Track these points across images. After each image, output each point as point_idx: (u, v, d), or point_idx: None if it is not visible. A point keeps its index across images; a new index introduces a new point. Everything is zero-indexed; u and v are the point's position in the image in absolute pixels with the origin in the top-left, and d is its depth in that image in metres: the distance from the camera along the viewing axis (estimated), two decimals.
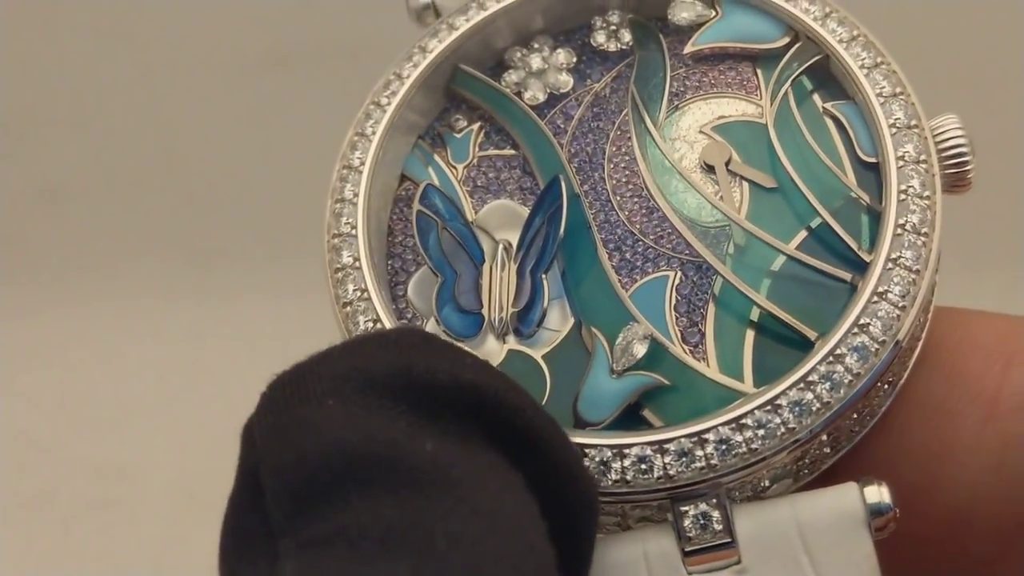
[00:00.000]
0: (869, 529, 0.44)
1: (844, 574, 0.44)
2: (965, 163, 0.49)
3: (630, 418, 0.46)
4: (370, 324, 0.47)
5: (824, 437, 0.45)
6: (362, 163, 0.51)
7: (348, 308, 0.48)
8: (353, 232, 0.49)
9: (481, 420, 0.39)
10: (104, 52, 1.05)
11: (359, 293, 0.48)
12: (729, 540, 0.44)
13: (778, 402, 0.44)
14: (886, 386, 0.47)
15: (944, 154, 0.48)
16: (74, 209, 1.06)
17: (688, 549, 0.44)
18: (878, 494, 0.44)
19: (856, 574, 0.44)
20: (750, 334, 0.47)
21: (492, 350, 0.49)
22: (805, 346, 0.46)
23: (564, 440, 0.41)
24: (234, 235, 0.99)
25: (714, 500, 0.44)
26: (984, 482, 0.47)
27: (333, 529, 0.35)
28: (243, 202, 0.98)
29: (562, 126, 0.52)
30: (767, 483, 0.46)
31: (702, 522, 0.44)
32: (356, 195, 0.50)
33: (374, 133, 0.51)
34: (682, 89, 0.52)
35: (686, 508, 0.44)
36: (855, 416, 0.46)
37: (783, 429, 0.44)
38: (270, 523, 0.37)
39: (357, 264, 0.49)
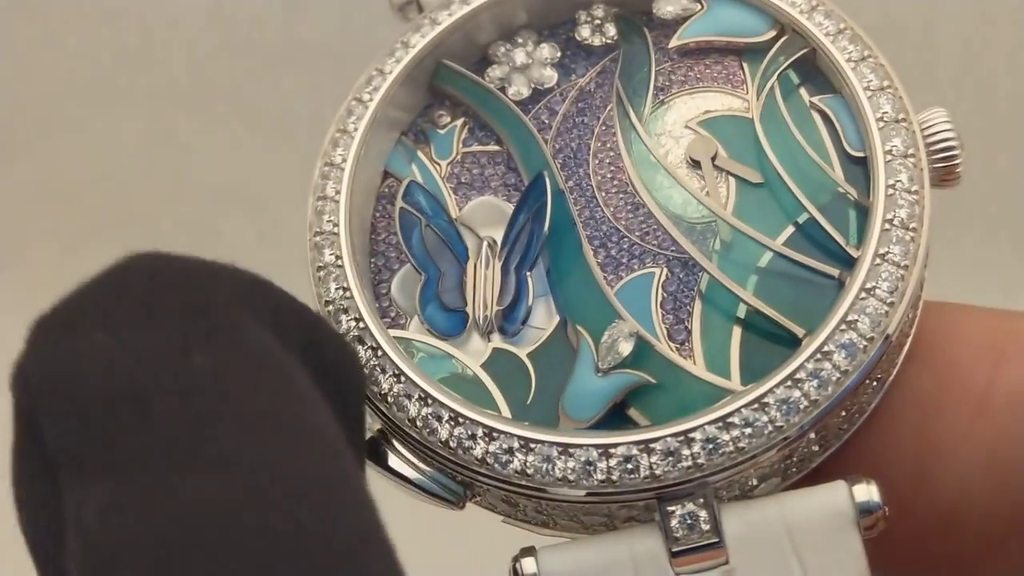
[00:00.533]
0: (858, 528, 0.44)
1: (833, 573, 0.44)
2: (954, 157, 0.48)
3: (616, 417, 0.46)
4: (353, 323, 0.47)
5: (812, 435, 0.45)
6: (344, 160, 0.50)
7: (330, 307, 0.48)
8: (335, 230, 0.49)
9: (244, 311, 0.39)
10: (104, 53, 1.05)
11: (341, 291, 0.47)
12: (717, 540, 0.43)
13: (765, 400, 0.43)
14: (875, 383, 0.46)
15: (932, 148, 0.48)
16: (74, 211, 1.06)
17: (675, 549, 0.43)
18: (867, 492, 0.44)
19: (845, 573, 0.44)
20: (737, 331, 0.47)
21: (477, 348, 0.48)
22: (793, 343, 0.46)
23: (314, 314, 0.42)
24: (234, 236, 0.99)
25: (701, 500, 0.44)
26: (974, 479, 0.47)
27: (120, 458, 0.34)
28: (229, 194, 0.98)
29: (546, 121, 0.52)
30: (755, 482, 0.45)
31: (689, 522, 0.44)
32: (338, 193, 0.49)
33: (356, 130, 0.50)
34: (667, 83, 0.51)
35: (673, 508, 0.44)
36: (843, 414, 0.45)
37: (771, 427, 0.43)
38: (51, 463, 0.36)
39: (339, 263, 0.48)
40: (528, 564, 0.44)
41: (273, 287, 0.41)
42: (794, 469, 0.46)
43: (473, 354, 0.48)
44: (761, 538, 0.44)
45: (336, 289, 0.48)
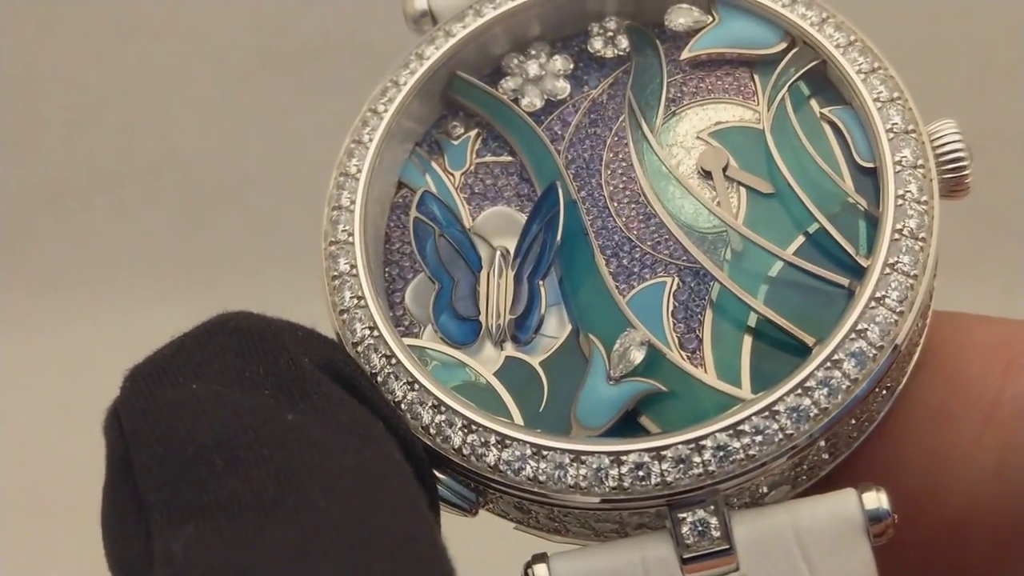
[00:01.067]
0: (867, 535, 0.44)
1: None
2: (963, 168, 0.48)
3: (627, 425, 0.46)
4: (367, 331, 0.47)
5: (822, 443, 0.45)
6: (359, 170, 0.50)
7: (345, 315, 0.48)
8: (350, 240, 0.49)
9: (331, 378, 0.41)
10: (104, 52, 1.05)
11: (356, 300, 0.48)
12: (727, 547, 0.44)
13: (776, 408, 0.44)
14: (884, 392, 0.46)
15: (942, 159, 0.48)
16: (74, 213, 1.06)
17: (686, 556, 0.44)
18: (876, 500, 0.44)
19: None
20: (748, 340, 0.47)
21: (490, 357, 0.49)
22: (803, 352, 0.46)
23: (388, 401, 0.45)
24: (237, 238, 1.00)
25: (712, 507, 0.44)
26: (983, 488, 0.47)
27: (209, 502, 0.36)
28: (245, 202, 0.99)
29: (559, 132, 0.52)
30: (765, 489, 0.46)
31: (700, 529, 0.44)
32: (353, 203, 0.50)
33: (371, 140, 0.51)
34: (679, 95, 0.52)
35: (684, 515, 0.44)
36: (853, 422, 0.46)
37: (781, 435, 0.44)
38: (142, 503, 0.37)
39: (354, 271, 0.48)
40: (540, 570, 0.45)
41: (346, 354, 0.45)
42: (804, 477, 0.46)
43: (486, 362, 0.48)
44: (771, 545, 0.44)
45: (351, 298, 0.48)
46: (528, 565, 0.45)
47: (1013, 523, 0.47)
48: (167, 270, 1.03)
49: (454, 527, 0.49)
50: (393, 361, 0.47)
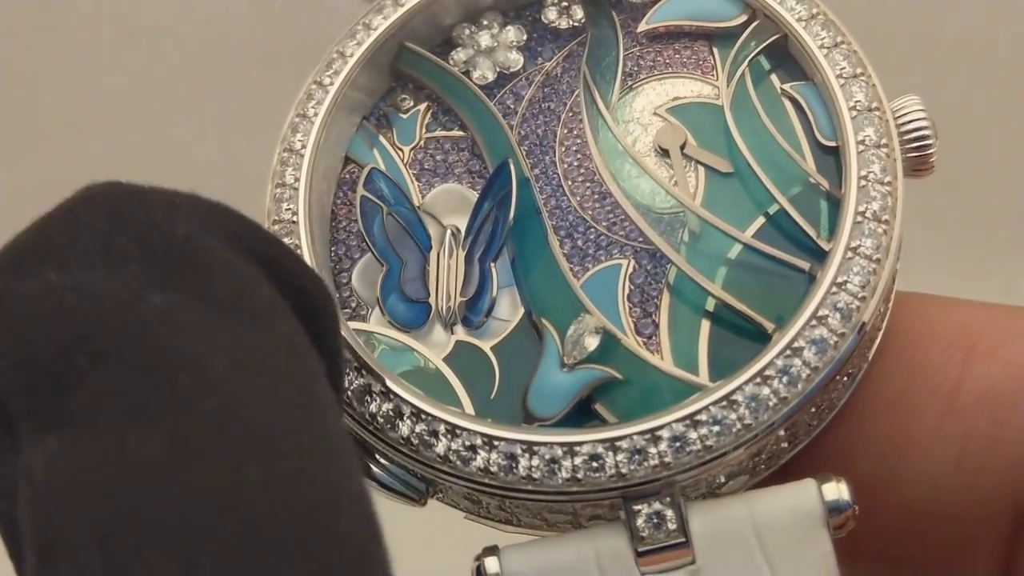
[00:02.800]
0: (827, 527, 0.43)
1: (802, 573, 0.43)
2: (927, 146, 0.47)
3: (582, 412, 0.45)
4: None
5: (781, 432, 0.44)
6: (303, 146, 0.49)
7: None
8: (295, 219, 0.47)
9: (209, 240, 0.36)
10: (104, 52, 1.04)
11: None
12: (683, 540, 0.43)
13: (734, 398, 0.43)
14: (845, 378, 0.45)
15: (905, 137, 0.47)
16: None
17: (641, 549, 0.43)
18: (837, 491, 0.43)
19: (814, 573, 0.43)
20: (705, 325, 0.46)
21: (440, 340, 0.47)
22: (762, 338, 0.45)
23: (283, 245, 0.39)
24: None
25: (668, 499, 0.43)
26: (944, 476, 0.46)
27: (75, 407, 0.32)
28: (246, 202, 0.98)
29: (512, 106, 0.50)
30: (723, 479, 0.44)
31: (655, 521, 0.43)
32: (297, 180, 0.48)
33: (316, 115, 0.49)
34: (636, 69, 0.50)
35: (639, 507, 0.43)
36: (813, 410, 0.44)
37: (739, 425, 0.42)
38: (7, 413, 0.34)
39: (298, 253, 0.47)
40: (491, 564, 0.43)
41: (238, 215, 0.38)
42: (763, 466, 0.45)
43: (435, 347, 0.47)
44: (728, 537, 0.43)
45: None
46: (479, 558, 0.43)
47: (972, 513, 0.46)
48: None
49: (403, 516, 0.47)
50: None
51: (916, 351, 0.47)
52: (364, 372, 0.44)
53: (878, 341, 0.46)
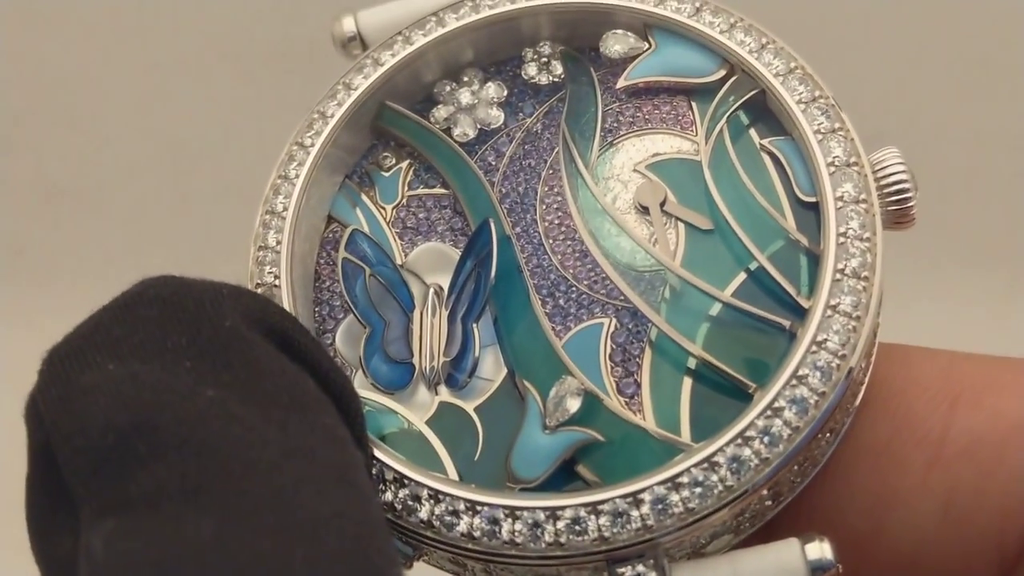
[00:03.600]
0: None
1: None
2: (907, 200, 0.47)
3: (565, 473, 0.45)
4: None
5: (764, 491, 0.44)
6: (285, 208, 0.49)
7: None
8: (277, 283, 0.47)
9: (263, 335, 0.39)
10: (104, 52, 1.04)
11: None
12: None
13: (715, 459, 0.43)
14: (828, 435, 0.45)
15: (885, 191, 0.47)
16: (74, 210, 1.05)
17: None
18: (820, 550, 0.43)
19: None
20: (687, 383, 0.46)
21: (423, 401, 0.47)
22: (743, 396, 0.45)
23: (326, 352, 0.42)
24: (238, 238, 0.99)
25: (651, 561, 0.43)
26: (930, 528, 0.46)
27: (133, 492, 0.34)
28: (247, 202, 0.98)
29: (493, 163, 0.50)
30: (706, 540, 0.44)
31: None
32: (280, 243, 0.48)
33: (297, 177, 0.49)
34: (615, 124, 0.50)
35: (622, 570, 0.43)
36: (796, 467, 0.44)
37: (721, 487, 0.42)
38: (69, 495, 0.36)
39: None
40: None
41: (276, 307, 0.41)
42: (747, 524, 0.45)
43: (419, 408, 0.47)
44: None
45: None
46: None
47: (958, 563, 0.46)
48: (168, 269, 1.02)
49: None
50: None
51: (900, 402, 0.47)
52: None
53: (860, 395, 0.46)
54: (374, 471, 0.44)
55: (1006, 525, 0.46)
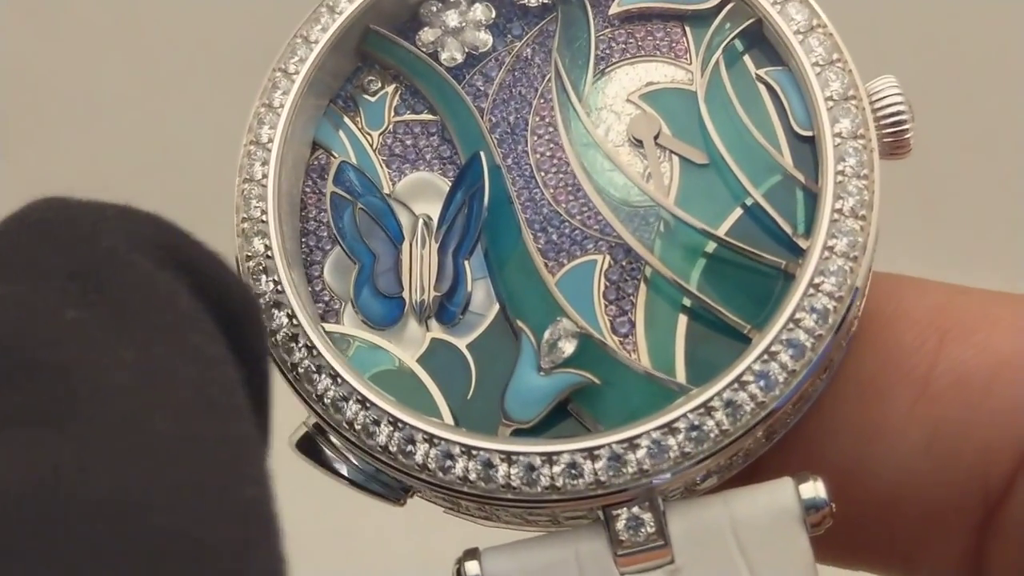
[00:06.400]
0: (805, 525, 0.43)
1: (779, 571, 0.43)
2: (904, 130, 0.47)
3: (559, 412, 0.45)
4: (285, 319, 0.45)
5: (759, 432, 0.44)
6: (271, 139, 0.47)
7: (262, 301, 0.46)
8: (264, 218, 0.46)
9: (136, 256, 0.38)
10: (104, 52, 1.02)
11: (273, 285, 0.46)
12: (662, 543, 0.43)
13: (711, 404, 0.43)
14: (823, 372, 0.45)
15: (882, 120, 0.46)
16: None
17: (620, 552, 0.43)
18: (813, 489, 0.43)
19: (792, 571, 0.43)
20: (682, 321, 0.45)
21: (415, 337, 0.47)
22: (739, 336, 0.45)
23: (213, 255, 0.40)
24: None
25: (646, 503, 0.43)
26: (914, 463, 0.47)
27: None
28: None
29: (482, 89, 0.49)
30: (700, 478, 0.45)
31: (634, 525, 0.43)
32: (265, 176, 0.47)
33: (282, 106, 0.48)
34: (608, 52, 0.49)
35: (618, 512, 0.43)
36: (791, 407, 0.45)
37: (717, 431, 0.43)
38: None
39: (269, 253, 0.46)
40: (471, 567, 0.44)
41: (169, 225, 0.39)
42: (740, 461, 0.45)
43: (410, 345, 0.46)
44: (707, 537, 0.43)
45: (267, 282, 0.46)
46: (459, 561, 0.44)
47: (942, 499, 0.47)
48: None
49: (383, 514, 0.48)
50: (315, 352, 0.45)
51: (889, 335, 0.47)
52: (340, 380, 0.44)
53: (853, 330, 0.46)
54: (367, 414, 0.44)
55: (991, 461, 0.46)
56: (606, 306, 0.46)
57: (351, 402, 0.44)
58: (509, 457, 0.43)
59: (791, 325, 0.43)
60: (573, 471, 0.43)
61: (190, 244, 0.39)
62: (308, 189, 0.49)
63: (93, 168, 1.04)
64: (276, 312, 0.45)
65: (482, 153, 0.47)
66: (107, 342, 0.35)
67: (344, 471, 0.46)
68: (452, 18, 0.50)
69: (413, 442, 0.43)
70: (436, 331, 0.47)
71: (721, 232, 0.46)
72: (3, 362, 0.34)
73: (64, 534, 0.30)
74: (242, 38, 0.99)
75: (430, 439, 0.43)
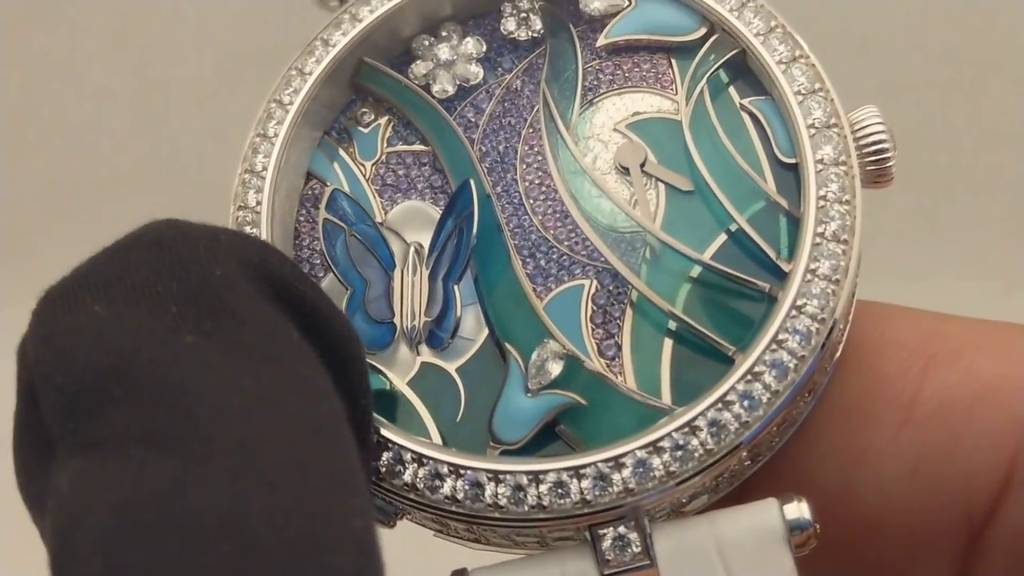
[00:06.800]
0: (789, 546, 0.44)
1: None
2: (886, 159, 0.47)
3: (546, 434, 0.45)
4: None
5: (744, 453, 0.44)
6: (265, 168, 0.48)
7: None
8: None
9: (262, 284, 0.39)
10: (104, 52, 1.03)
11: None
12: (647, 563, 0.43)
13: (696, 423, 0.43)
14: (807, 395, 0.46)
15: (864, 149, 0.47)
16: (74, 213, 1.04)
17: (607, 572, 0.43)
18: (798, 510, 0.44)
19: None
20: (668, 345, 0.46)
21: (404, 361, 0.47)
22: (724, 358, 0.45)
23: (327, 299, 0.42)
24: None
25: (632, 522, 0.43)
26: (899, 488, 0.47)
27: (103, 432, 0.35)
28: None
29: (473, 120, 0.50)
30: (687, 499, 0.45)
31: (620, 545, 0.43)
32: (259, 203, 0.48)
33: (276, 135, 0.49)
34: (596, 83, 0.50)
35: (604, 531, 0.43)
36: (775, 429, 0.45)
37: (701, 450, 0.43)
38: (47, 433, 0.37)
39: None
40: None
41: (277, 254, 0.41)
42: (725, 483, 0.46)
43: (401, 368, 0.47)
44: (692, 557, 0.44)
45: None
46: None
47: (928, 523, 0.47)
48: None
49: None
50: None
51: (875, 361, 0.48)
52: None
53: (838, 354, 0.47)
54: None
55: (975, 487, 0.47)
56: (593, 329, 0.47)
57: None
58: (497, 476, 0.43)
59: (774, 346, 0.44)
60: (560, 490, 0.43)
61: (299, 276, 0.41)
62: (302, 218, 0.50)
63: (93, 168, 1.05)
64: None
65: (472, 181, 0.48)
66: (224, 368, 0.36)
67: None
68: (444, 51, 0.51)
69: (402, 462, 0.44)
70: (426, 355, 0.47)
71: (706, 257, 0.47)
72: (124, 382, 0.35)
73: (177, 549, 0.32)
74: (244, 39, 1.00)
75: (419, 459, 0.44)
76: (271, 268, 0.40)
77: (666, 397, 0.45)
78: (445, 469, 0.44)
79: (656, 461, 0.43)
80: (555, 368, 0.46)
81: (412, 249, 0.48)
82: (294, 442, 0.35)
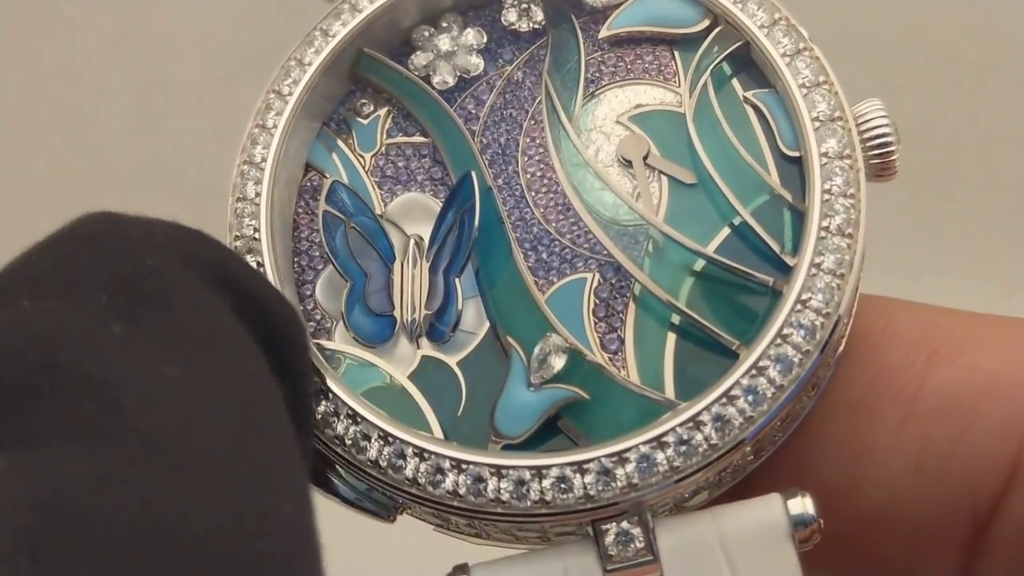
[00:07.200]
0: (793, 541, 0.43)
1: None
2: (890, 152, 0.47)
3: (548, 428, 0.45)
4: None
5: (747, 448, 0.44)
6: (264, 159, 0.48)
7: None
8: (256, 236, 0.47)
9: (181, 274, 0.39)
10: (104, 52, 1.03)
11: None
12: (651, 558, 0.43)
13: (700, 418, 0.43)
14: (811, 390, 0.45)
15: (868, 143, 0.47)
16: (74, 210, 1.04)
17: (609, 568, 0.43)
18: (801, 505, 0.43)
19: None
20: (671, 339, 0.46)
21: (405, 355, 0.47)
22: (727, 352, 0.45)
23: (266, 283, 0.41)
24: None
25: (635, 518, 0.43)
26: (902, 482, 0.47)
27: (27, 428, 0.34)
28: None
29: (473, 111, 0.50)
30: (689, 494, 0.45)
31: (623, 540, 0.43)
32: (258, 195, 0.47)
33: (275, 127, 0.48)
34: (598, 75, 0.50)
35: (607, 526, 0.43)
36: (779, 423, 0.45)
37: (705, 445, 0.43)
38: None
39: (261, 270, 0.46)
40: None
41: (215, 244, 0.41)
42: (728, 478, 0.45)
43: (401, 362, 0.47)
44: (696, 553, 0.43)
45: None
46: None
47: (931, 518, 0.47)
48: None
49: (375, 527, 0.48)
50: None
51: (878, 355, 0.48)
52: (331, 395, 0.44)
53: (841, 349, 0.47)
54: (357, 429, 0.44)
55: (979, 481, 0.46)
56: (595, 323, 0.46)
57: (341, 417, 0.44)
58: (499, 471, 0.43)
59: (779, 340, 0.43)
60: (563, 485, 0.43)
61: (234, 261, 0.40)
62: (301, 210, 0.49)
63: (93, 168, 1.04)
64: None
65: (473, 172, 0.48)
66: (151, 358, 0.36)
67: (336, 488, 0.46)
68: (444, 42, 0.51)
69: (403, 456, 0.44)
70: (427, 349, 0.47)
71: (710, 250, 0.46)
72: (50, 376, 0.34)
73: (105, 544, 0.31)
74: (244, 39, 1.00)
75: (420, 453, 0.43)
76: (207, 256, 0.40)
77: (669, 391, 0.45)
78: (447, 464, 0.43)
79: (660, 456, 0.43)
80: (558, 362, 0.45)
81: (412, 241, 0.48)
82: (222, 429, 0.35)
